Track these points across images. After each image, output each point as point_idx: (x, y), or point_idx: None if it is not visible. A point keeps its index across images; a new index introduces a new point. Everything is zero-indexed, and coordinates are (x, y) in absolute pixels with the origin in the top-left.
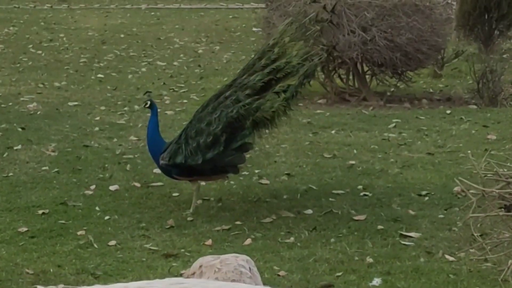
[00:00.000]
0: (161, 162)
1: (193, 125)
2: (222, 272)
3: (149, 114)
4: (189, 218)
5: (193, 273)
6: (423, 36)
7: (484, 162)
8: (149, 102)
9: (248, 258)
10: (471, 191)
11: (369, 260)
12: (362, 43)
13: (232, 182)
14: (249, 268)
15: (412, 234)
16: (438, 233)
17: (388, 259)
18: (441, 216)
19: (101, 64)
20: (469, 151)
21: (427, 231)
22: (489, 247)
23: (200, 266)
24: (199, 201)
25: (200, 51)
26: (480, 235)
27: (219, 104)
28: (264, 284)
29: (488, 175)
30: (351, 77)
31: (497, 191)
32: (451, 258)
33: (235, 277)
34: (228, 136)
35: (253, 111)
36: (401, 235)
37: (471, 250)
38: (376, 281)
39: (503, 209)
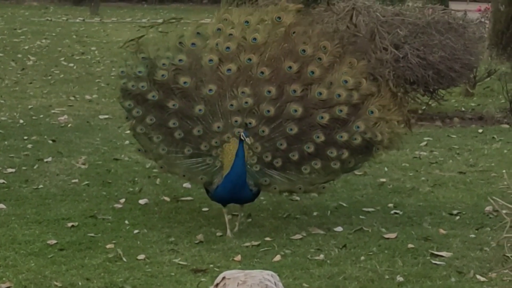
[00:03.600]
0: (253, 189)
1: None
2: (246, 285)
3: None
4: (218, 234)
5: (216, 285)
6: (456, 55)
7: None
8: (243, 135)
9: (274, 273)
10: (504, 211)
11: (400, 279)
12: (394, 60)
13: (262, 198)
14: (275, 282)
15: (443, 253)
16: (469, 253)
17: (419, 278)
18: (473, 235)
19: None
20: (504, 171)
21: (458, 250)
22: None
23: (223, 278)
24: (229, 217)
25: None
26: None
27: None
28: None
29: None
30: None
31: None
32: (482, 279)
33: None
34: None
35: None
36: (432, 254)
37: (503, 271)
38: None
39: None
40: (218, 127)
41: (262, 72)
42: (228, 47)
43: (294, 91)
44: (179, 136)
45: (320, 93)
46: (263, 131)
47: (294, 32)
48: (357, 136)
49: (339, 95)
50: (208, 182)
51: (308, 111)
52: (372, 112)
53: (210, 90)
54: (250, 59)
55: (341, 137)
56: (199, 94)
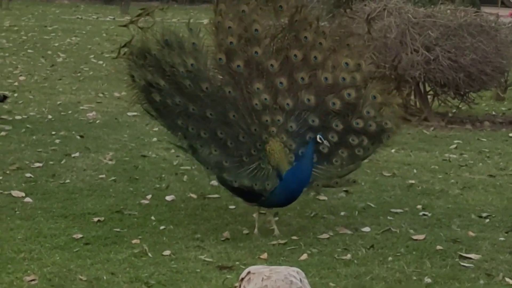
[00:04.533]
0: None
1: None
2: (271, 280)
3: None
4: (244, 231)
5: (241, 279)
6: (487, 58)
7: None
8: (321, 137)
9: (299, 269)
10: None
11: (428, 280)
12: (425, 62)
13: None
14: (300, 279)
15: (472, 255)
16: (498, 256)
17: (447, 280)
18: (502, 238)
19: None
20: None
21: (488, 253)
22: None
23: (248, 273)
24: (255, 215)
25: None
26: None
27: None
28: None
29: None
30: (412, 96)
31: None
32: (511, 282)
33: (285, 286)
34: None
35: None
36: (461, 256)
37: None
38: None
39: None
40: (255, 130)
41: (272, 65)
42: (231, 42)
43: (302, 79)
44: (231, 145)
45: (326, 78)
46: (291, 127)
47: (296, 21)
48: (371, 122)
49: (344, 79)
50: (262, 188)
51: (319, 98)
52: (375, 97)
53: (230, 92)
54: (256, 52)
55: (357, 124)
56: (224, 99)
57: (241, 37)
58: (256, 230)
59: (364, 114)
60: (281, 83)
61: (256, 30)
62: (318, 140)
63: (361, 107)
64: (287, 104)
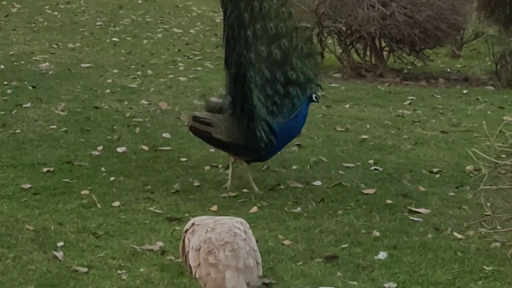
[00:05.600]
0: None
1: None
2: (215, 232)
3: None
4: (195, 184)
5: (186, 231)
6: (443, 14)
7: (498, 140)
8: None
9: (243, 220)
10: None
11: (376, 233)
12: (381, 18)
13: None
14: (244, 230)
15: (421, 210)
16: (447, 211)
17: (395, 234)
18: (452, 193)
19: (117, 28)
20: (483, 122)
21: (437, 208)
22: (499, 223)
23: (193, 224)
24: (207, 167)
25: (217, 20)
26: (491, 213)
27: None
28: (268, 252)
29: (502, 149)
30: (368, 52)
31: (510, 163)
32: (459, 236)
33: (229, 238)
34: None
35: None
36: (410, 210)
37: (480, 228)
38: (382, 254)
39: None
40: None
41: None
42: None
43: (259, 29)
44: None
45: (271, 28)
46: (256, 80)
47: None
48: (299, 73)
49: (282, 28)
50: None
51: (268, 48)
52: (302, 47)
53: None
54: None
55: (292, 75)
56: None
57: None
58: (229, 182)
59: (294, 65)
60: (248, 35)
61: None
62: (314, 99)
63: (291, 57)
64: (252, 57)
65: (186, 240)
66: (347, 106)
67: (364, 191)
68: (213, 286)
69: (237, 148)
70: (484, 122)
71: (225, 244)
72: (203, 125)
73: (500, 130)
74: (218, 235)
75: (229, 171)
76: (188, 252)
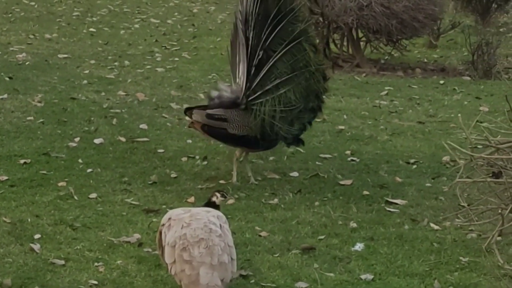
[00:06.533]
0: None
1: None
2: (190, 228)
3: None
4: (172, 175)
5: (162, 225)
6: (420, 5)
7: (474, 131)
8: None
9: (220, 213)
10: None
11: (353, 225)
12: (358, 8)
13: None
14: (220, 225)
15: (398, 201)
16: (424, 202)
17: (372, 225)
18: (429, 184)
19: (94, 19)
20: (459, 115)
21: (413, 199)
22: (475, 215)
23: (169, 219)
24: (184, 159)
25: (195, 10)
26: (468, 205)
27: None
28: (245, 244)
29: (478, 141)
30: (345, 42)
31: (485, 156)
32: (436, 227)
33: (204, 235)
34: None
35: None
36: (387, 201)
37: (457, 220)
38: (359, 246)
39: (491, 176)
40: None
41: None
42: None
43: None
44: None
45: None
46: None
47: None
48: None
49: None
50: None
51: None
52: None
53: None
54: None
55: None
56: None
57: None
58: (234, 178)
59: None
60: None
61: None
62: None
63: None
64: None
65: (163, 234)
66: None
67: (341, 182)
68: (187, 283)
69: (251, 141)
70: (460, 113)
71: (200, 241)
72: (218, 121)
73: (477, 121)
74: (193, 232)
75: (234, 168)
76: (164, 247)
